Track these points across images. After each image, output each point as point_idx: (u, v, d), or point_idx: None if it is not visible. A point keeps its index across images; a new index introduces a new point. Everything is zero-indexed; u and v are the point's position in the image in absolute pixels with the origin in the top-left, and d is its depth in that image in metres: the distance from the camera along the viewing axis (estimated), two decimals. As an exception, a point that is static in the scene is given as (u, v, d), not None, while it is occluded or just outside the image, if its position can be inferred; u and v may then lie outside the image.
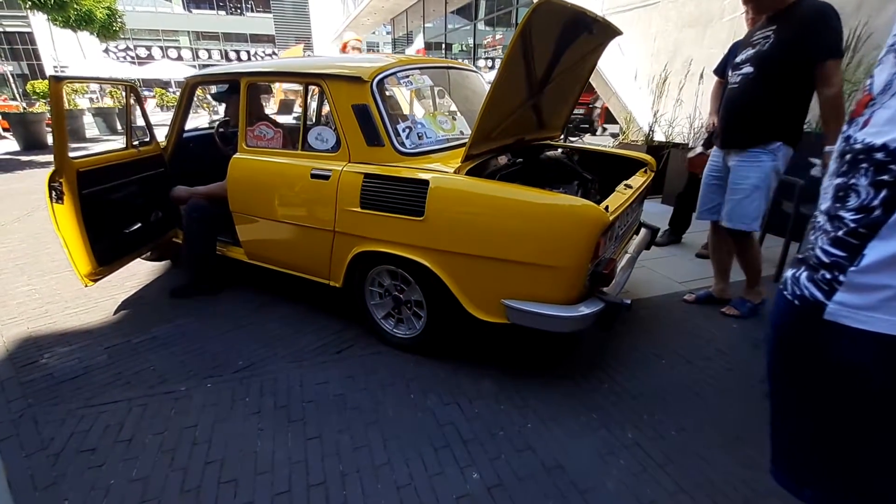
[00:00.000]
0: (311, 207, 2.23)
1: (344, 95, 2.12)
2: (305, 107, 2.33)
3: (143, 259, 3.34)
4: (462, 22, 17.70)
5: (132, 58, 36.09)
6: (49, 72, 26.89)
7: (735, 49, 3.11)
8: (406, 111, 2.31)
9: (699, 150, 2.69)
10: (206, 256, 2.78)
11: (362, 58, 2.16)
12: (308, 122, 2.31)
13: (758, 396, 1.91)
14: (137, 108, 2.78)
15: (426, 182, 1.87)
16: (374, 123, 2.04)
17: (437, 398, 1.91)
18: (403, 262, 2.02)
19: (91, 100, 16.38)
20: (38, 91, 15.22)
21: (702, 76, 4.74)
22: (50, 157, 2.64)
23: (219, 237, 2.79)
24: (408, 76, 2.19)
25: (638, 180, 2.28)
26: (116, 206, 2.57)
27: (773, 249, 3.30)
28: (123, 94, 2.70)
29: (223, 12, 43.62)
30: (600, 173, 2.64)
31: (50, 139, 10.40)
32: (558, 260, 1.69)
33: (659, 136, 5.33)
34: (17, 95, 20.55)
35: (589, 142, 10.28)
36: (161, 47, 39.68)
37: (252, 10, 44.60)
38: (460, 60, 2.72)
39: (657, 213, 4.21)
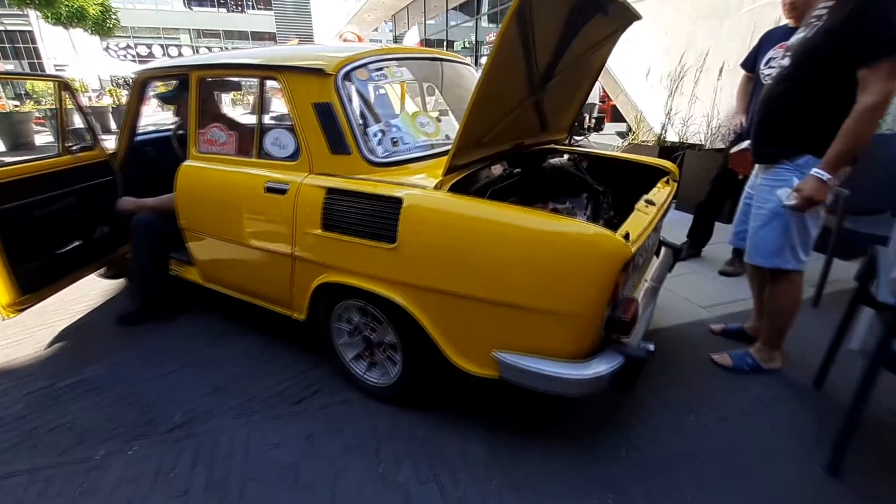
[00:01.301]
0: (267, 227, 1.85)
1: (303, 92, 1.74)
2: (261, 106, 1.95)
3: (98, 276, 2.98)
4: (463, 18, 17.28)
5: (133, 56, 35.84)
6: (49, 70, 26.63)
7: (768, 40, 2.71)
8: (384, 108, 1.93)
9: (745, 145, 2.24)
10: (156, 277, 2.42)
11: (331, 47, 1.79)
12: (266, 124, 1.93)
13: (813, 467, 1.53)
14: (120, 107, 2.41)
15: (398, 200, 1.49)
16: (338, 126, 1.67)
17: (413, 470, 1.53)
18: (373, 297, 1.64)
19: (90, 98, 16.06)
20: (38, 90, 14.94)
21: (720, 71, 4.34)
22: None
23: (173, 255, 2.42)
24: (381, 68, 1.80)
25: (661, 194, 1.89)
26: (45, 222, 2.20)
27: (813, 266, 2.89)
28: (55, 91, 2.32)
29: (224, 10, 43.31)
30: (613, 183, 2.25)
31: (38, 139, 10.07)
32: (565, 305, 1.30)
33: (671, 137, 4.93)
34: (19, 95, 20.29)
35: (594, 141, 9.86)
36: (162, 45, 39.40)
37: (253, 8, 44.27)
38: (455, 53, 2.31)
39: (671, 221, 3.81)
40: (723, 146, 4.45)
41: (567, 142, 2.52)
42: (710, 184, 3.08)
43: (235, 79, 2.31)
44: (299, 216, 1.72)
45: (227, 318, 2.48)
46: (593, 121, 10.60)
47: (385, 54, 1.84)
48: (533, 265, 1.32)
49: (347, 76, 1.71)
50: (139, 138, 2.71)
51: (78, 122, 2.46)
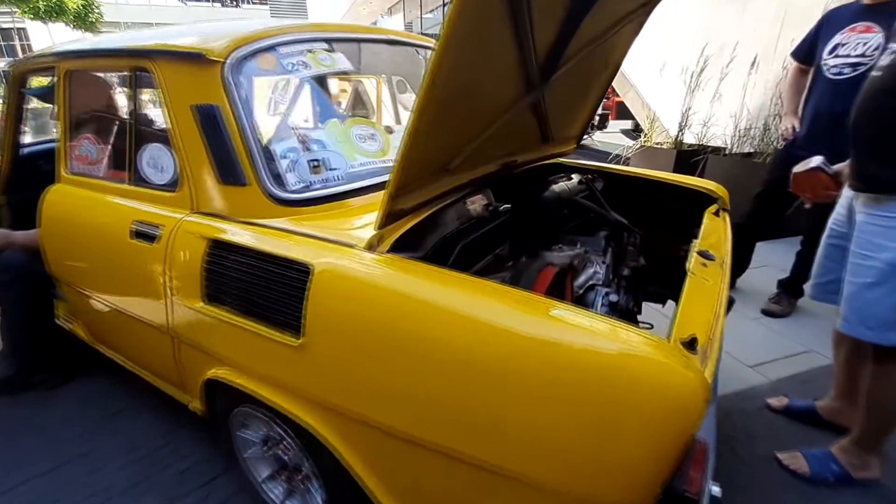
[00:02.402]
0: (135, 288, 1.27)
1: (180, 88, 1.15)
2: (135, 111, 1.35)
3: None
4: (462, 11, 16.58)
5: (126, 52, 35.17)
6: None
7: (830, 22, 2.11)
8: (302, 115, 1.31)
9: (817, 164, 1.50)
10: (33, 334, 1.84)
11: (226, 25, 1.21)
12: (143, 134, 1.33)
13: None
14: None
15: (305, 268, 0.90)
16: (227, 141, 1.07)
17: None
18: (276, 411, 1.05)
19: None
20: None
21: (754, 63, 3.72)
22: None
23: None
24: (299, 54, 1.20)
25: (717, 237, 1.30)
26: None
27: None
28: None
29: (218, 4, 42.63)
30: (640, 212, 1.66)
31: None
32: (585, 487, 0.71)
33: (688, 139, 4.33)
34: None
35: (598, 140, 9.23)
36: (156, 41, 38.78)
37: (248, 3, 43.58)
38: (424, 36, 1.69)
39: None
40: (751, 150, 3.87)
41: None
42: (753, 202, 2.47)
43: (110, 72, 1.69)
44: (174, 277, 1.14)
45: (127, 381, 1.89)
46: (597, 118, 9.96)
47: (305, 33, 1.24)
48: (528, 406, 0.72)
49: (243, 64, 1.11)
50: (28, 150, 2.12)
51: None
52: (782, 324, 2.37)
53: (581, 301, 1.32)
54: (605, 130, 10.50)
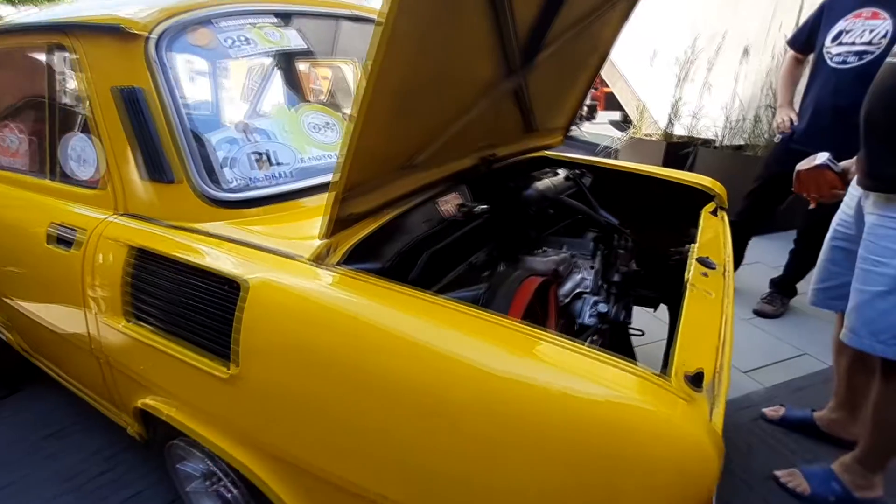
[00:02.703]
0: (54, 301, 1.10)
1: (100, 68, 0.98)
2: (54, 94, 1.16)
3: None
4: None
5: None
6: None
7: (833, 8, 1.98)
8: (244, 100, 1.13)
9: (823, 161, 1.36)
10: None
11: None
12: (67, 121, 1.15)
13: None
14: None
15: (237, 285, 0.75)
16: (152, 131, 0.91)
17: None
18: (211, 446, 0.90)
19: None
20: None
21: (745, 53, 3.61)
22: None
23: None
24: (240, 28, 1.03)
25: (716, 242, 1.18)
26: None
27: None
28: None
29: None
30: (631, 210, 1.53)
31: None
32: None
33: (678, 130, 4.22)
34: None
35: (587, 131, 9.11)
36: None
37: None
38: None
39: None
40: (742, 143, 3.77)
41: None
42: (747, 198, 2.35)
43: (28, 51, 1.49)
44: (94, 291, 0.97)
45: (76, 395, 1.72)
46: (585, 108, 9.82)
47: (250, 4, 1.07)
48: (499, 465, 0.58)
49: (172, 40, 0.94)
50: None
51: None
52: (775, 325, 2.28)
53: (567, 310, 1.19)
54: (593, 121, 10.37)
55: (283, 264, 0.76)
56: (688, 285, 0.90)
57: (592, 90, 10.24)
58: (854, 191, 1.28)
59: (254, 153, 0.95)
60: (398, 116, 0.72)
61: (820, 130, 1.93)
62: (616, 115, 9.09)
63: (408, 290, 0.71)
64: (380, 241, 0.87)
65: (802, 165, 1.41)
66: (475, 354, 0.61)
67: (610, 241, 1.38)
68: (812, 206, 1.47)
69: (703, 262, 1.02)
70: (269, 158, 0.95)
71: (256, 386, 0.74)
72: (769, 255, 2.91)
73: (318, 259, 0.77)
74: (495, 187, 1.21)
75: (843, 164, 1.37)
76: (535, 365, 0.59)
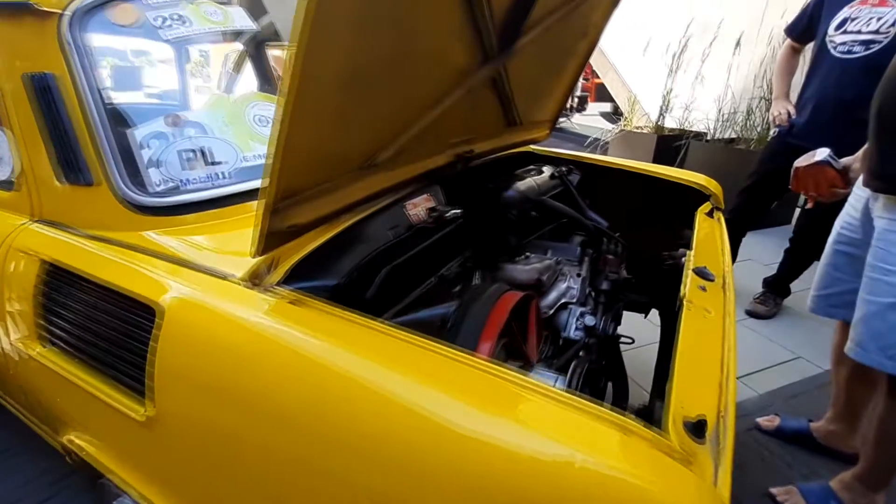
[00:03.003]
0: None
1: (9, 49, 0.84)
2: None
3: None
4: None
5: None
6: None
7: None
8: (177, 89, 0.98)
9: (823, 157, 1.26)
10: None
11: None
12: None
13: None
14: None
15: (151, 310, 0.63)
16: (66, 125, 0.78)
17: None
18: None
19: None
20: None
21: (738, 43, 3.50)
22: None
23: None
24: (176, 4, 0.89)
25: (716, 252, 1.07)
26: None
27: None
28: None
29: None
30: (621, 211, 1.43)
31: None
32: None
33: (669, 123, 4.12)
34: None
35: (577, 123, 8.98)
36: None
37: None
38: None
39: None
40: (734, 136, 3.68)
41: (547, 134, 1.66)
42: (741, 195, 2.26)
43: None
44: (9, 309, 0.84)
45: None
46: (576, 100, 9.67)
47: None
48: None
49: (90, 18, 0.80)
50: None
51: None
52: (769, 327, 2.20)
53: (552, 323, 1.09)
54: (584, 113, 10.25)
55: (209, 284, 0.64)
56: (684, 303, 0.80)
57: (583, 81, 10.12)
58: (861, 192, 1.18)
59: (186, 151, 0.82)
60: (344, 109, 0.60)
61: (821, 125, 1.84)
62: (607, 108, 8.99)
63: (357, 318, 0.59)
64: (334, 254, 0.75)
65: (801, 162, 1.32)
66: (431, 405, 0.49)
67: (599, 246, 1.27)
68: (810, 205, 1.38)
69: (700, 273, 0.91)
70: (204, 156, 0.83)
71: (175, 431, 0.63)
72: (762, 251, 2.84)
73: (255, 278, 0.65)
74: (473, 188, 1.09)
75: (845, 160, 1.27)
76: (503, 423, 0.48)
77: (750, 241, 2.53)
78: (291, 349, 0.57)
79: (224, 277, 0.65)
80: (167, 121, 0.82)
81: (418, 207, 0.97)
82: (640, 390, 1.69)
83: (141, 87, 0.86)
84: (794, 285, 2.28)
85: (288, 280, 0.66)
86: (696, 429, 0.52)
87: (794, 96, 2.08)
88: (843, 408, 1.43)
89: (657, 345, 1.44)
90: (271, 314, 0.60)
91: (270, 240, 0.61)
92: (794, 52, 2.09)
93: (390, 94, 0.70)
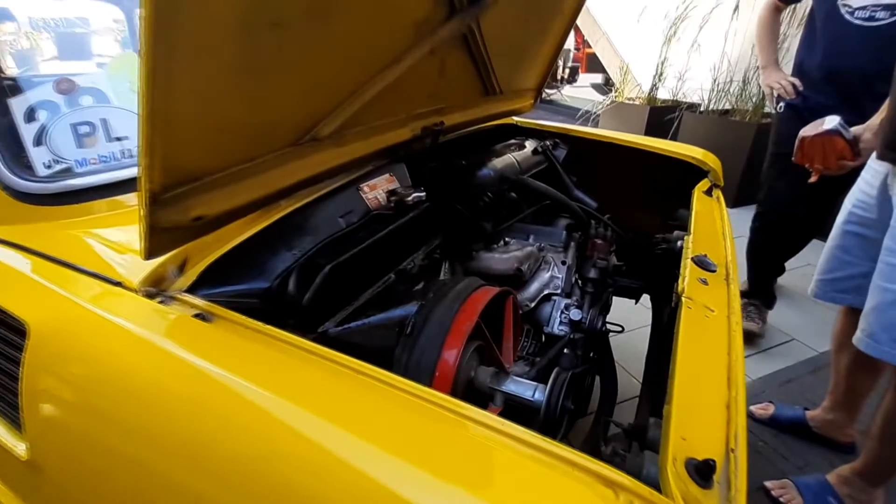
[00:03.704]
0: None
1: None
2: None
3: None
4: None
5: None
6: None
7: None
8: (72, 51, 0.82)
9: (833, 126, 1.14)
10: None
11: None
12: None
13: None
14: None
15: (21, 326, 0.50)
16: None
17: None
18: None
19: None
20: None
21: (736, 7, 3.32)
22: None
23: None
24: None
25: (717, 236, 0.95)
26: None
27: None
28: None
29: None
30: (612, 189, 1.30)
31: None
32: None
33: (663, 94, 3.97)
34: None
35: (568, 95, 8.73)
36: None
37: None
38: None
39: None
40: (729, 107, 3.53)
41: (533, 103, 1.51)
42: (773, 189, 1.97)
43: None
44: None
45: None
46: (567, 70, 9.36)
47: None
48: None
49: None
50: None
51: None
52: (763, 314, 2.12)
53: (533, 316, 0.98)
54: (574, 84, 9.97)
55: (93, 293, 0.51)
56: (682, 300, 0.68)
57: (574, 51, 9.81)
58: (878, 166, 1.06)
59: (81, 124, 0.67)
60: (250, 64, 0.46)
61: (834, 103, 1.63)
62: (598, 79, 8.73)
63: (278, 336, 0.47)
64: (267, 250, 0.62)
65: (808, 131, 1.19)
66: (366, 465, 0.37)
67: (587, 229, 1.15)
68: (814, 178, 1.26)
69: (699, 262, 0.79)
70: (105, 131, 0.68)
71: (55, 473, 0.51)
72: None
73: (155, 284, 0.52)
74: (441, 166, 0.95)
75: (855, 129, 1.15)
76: (455, 494, 0.36)
77: (741, 215, 2.41)
78: (187, 380, 0.45)
79: (117, 284, 0.52)
80: (58, 87, 0.67)
81: (377, 189, 0.83)
82: (630, 379, 1.61)
83: (21, 45, 0.70)
84: (789, 263, 2.17)
85: (202, 284, 0.53)
86: (703, 472, 0.41)
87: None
88: (842, 396, 1.36)
89: (648, 328, 1.34)
90: (165, 332, 0.47)
91: (162, 237, 0.48)
92: (776, 11, 1.90)
93: (321, 46, 0.56)
